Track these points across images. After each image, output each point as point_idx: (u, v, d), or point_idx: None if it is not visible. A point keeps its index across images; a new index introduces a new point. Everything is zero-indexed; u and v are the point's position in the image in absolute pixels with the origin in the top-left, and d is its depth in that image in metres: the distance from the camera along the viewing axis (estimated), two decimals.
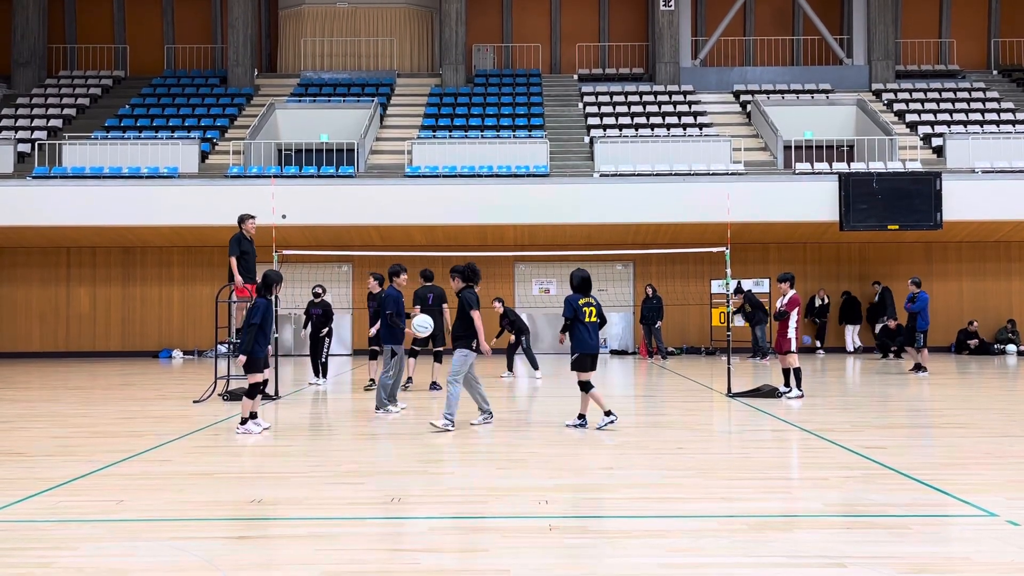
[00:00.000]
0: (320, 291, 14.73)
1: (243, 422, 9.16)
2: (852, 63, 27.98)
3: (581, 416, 9.43)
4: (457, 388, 9.31)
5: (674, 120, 24.76)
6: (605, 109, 25.60)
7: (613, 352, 22.50)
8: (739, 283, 20.05)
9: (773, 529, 5.30)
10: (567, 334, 9.46)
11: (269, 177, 20.25)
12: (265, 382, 9.51)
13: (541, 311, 22.65)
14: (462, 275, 9.64)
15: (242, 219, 12.52)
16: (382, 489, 6.44)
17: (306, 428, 9.94)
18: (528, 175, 21.03)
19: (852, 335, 22.36)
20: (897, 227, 20.06)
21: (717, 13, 28.79)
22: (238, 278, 12.07)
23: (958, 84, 27.26)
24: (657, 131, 23.82)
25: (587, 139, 23.76)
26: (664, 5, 27.43)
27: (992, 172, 21.13)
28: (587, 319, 9.30)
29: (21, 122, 24.61)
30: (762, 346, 19.79)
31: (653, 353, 20.84)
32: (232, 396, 12.11)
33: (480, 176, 21.01)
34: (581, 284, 9.42)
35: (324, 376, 14.59)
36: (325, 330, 14.64)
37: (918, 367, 16.20)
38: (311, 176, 21.12)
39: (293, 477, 6.98)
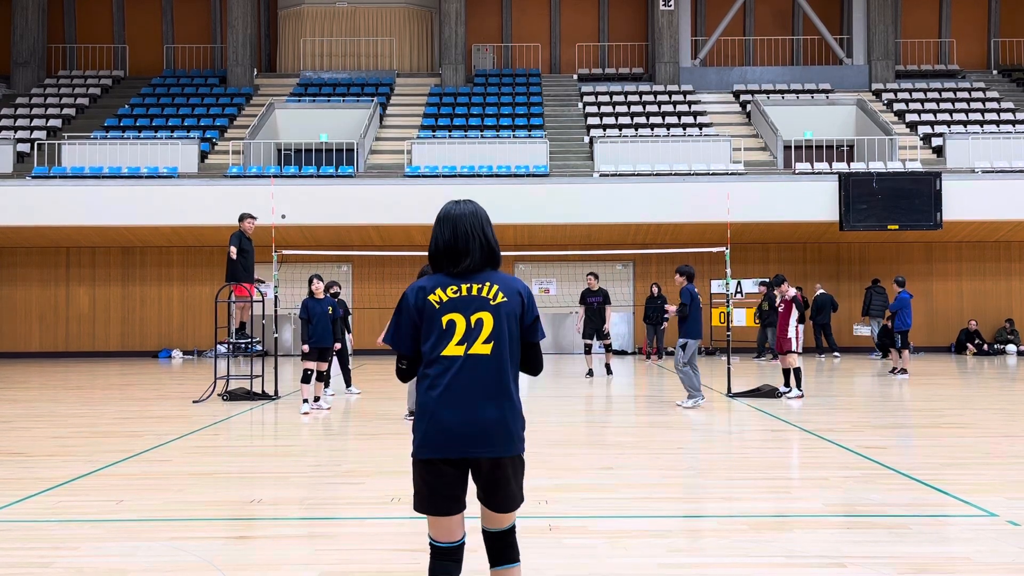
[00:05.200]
0: (338, 289, 13.17)
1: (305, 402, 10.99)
2: (852, 63, 27.97)
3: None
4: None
5: (674, 120, 24.75)
6: (605, 109, 25.59)
7: (613, 352, 22.45)
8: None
9: (773, 529, 5.30)
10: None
11: (269, 177, 20.23)
12: (319, 372, 11.17)
13: (541, 311, 22.55)
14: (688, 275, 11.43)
15: (242, 217, 12.59)
16: (382, 489, 6.43)
17: (306, 428, 9.93)
18: (528, 175, 21.02)
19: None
20: (897, 227, 20.05)
21: (717, 13, 28.77)
22: (232, 249, 12.16)
23: (958, 84, 27.25)
24: (657, 131, 23.81)
25: (587, 139, 23.75)
26: (664, 5, 27.42)
27: (992, 172, 21.12)
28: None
29: (20, 122, 24.59)
30: (772, 347, 19.71)
31: (652, 353, 20.82)
32: (232, 396, 12.12)
33: (480, 176, 20.99)
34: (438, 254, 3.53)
35: (349, 384, 13.38)
36: (349, 335, 13.70)
37: (895, 370, 15.85)
38: (311, 176, 21.11)
39: (293, 477, 6.97)
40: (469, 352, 3.23)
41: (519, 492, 3.33)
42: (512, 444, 3.26)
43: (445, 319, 3.24)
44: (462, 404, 3.19)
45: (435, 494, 3.22)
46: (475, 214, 3.37)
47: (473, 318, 3.25)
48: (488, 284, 3.30)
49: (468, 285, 3.28)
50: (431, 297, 3.27)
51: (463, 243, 3.32)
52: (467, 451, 3.19)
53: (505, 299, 3.29)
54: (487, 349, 3.24)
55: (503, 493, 3.27)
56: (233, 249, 12.18)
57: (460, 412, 3.19)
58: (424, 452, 3.21)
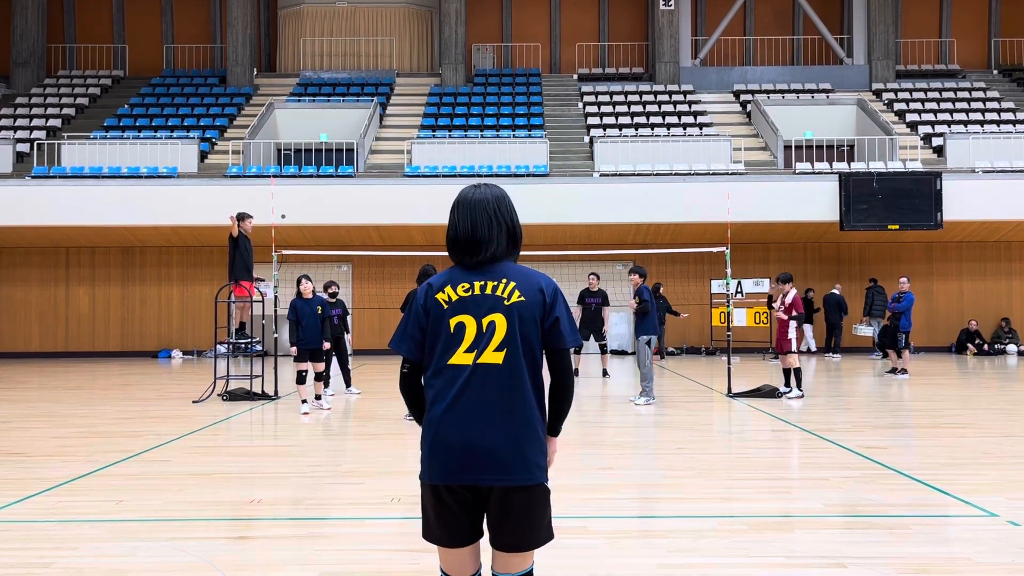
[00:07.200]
0: (336, 289, 13.22)
1: (303, 402, 10.92)
2: (852, 63, 27.96)
3: None
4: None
5: (674, 120, 24.74)
6: (605, 109, 25.58)
7: (613, 352, 22.47)
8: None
9: (773, 529, 5.30)
10: None
11: (268, 177, 20.22)
12: (317, 373, 11.19)
13: None
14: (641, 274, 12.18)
15: (241, 217, 12.60)
16: (382, 489, 6.43)
17: (306, 428, 9.93)
18: (528, 175, 21.01)
19: (808, 336, 21.91)
20: (897, 227, 20.05)
21: (717, 13, 28.77)
22: (235, 226, 12.39)
23: (958, 84, 27.25)
24: (657, 131, 23.80)
25: (587, 139, 23.75)
26: (664, 5, 27.42)
27: (992, 172, 21.12)
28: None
29: (20, 122, 24.58)
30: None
31: (653, 353, 20.77)
32: (231, 396, 12.11)
33: (480, 176, 20.97)
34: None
35: (349, 385, 13.37)
36: (348, 335, 13.72)
37: (895, 370, 15.81)
38: (311, 176, 21.10)
39: (293, 477, 6.97)
40: (479, 361, 2.78)
41: (535, 529, 2.85)
42: (527, 471, 2.80)
43: (453, 322, 2.82)
44: (468, 423, 2.77)
45: (441, 522, 2.85)
46: (498, 199, 2.95)
47: (485, 321, 2.80)
48: (504, 281, 2.85)
49: (482, 282, 2.84)
50: (439, 296, 2.85)
51: (483, 232, 2.89)
52: (474, 478, 2.77)
53: (522, 298, 2.83)
54: (499, 358, 2.79)
55: (511, 528, 2.84)
56: (235, 226, 12.26)
57: (466, 432, 2.77)
58: (427, 476, 2.83)
